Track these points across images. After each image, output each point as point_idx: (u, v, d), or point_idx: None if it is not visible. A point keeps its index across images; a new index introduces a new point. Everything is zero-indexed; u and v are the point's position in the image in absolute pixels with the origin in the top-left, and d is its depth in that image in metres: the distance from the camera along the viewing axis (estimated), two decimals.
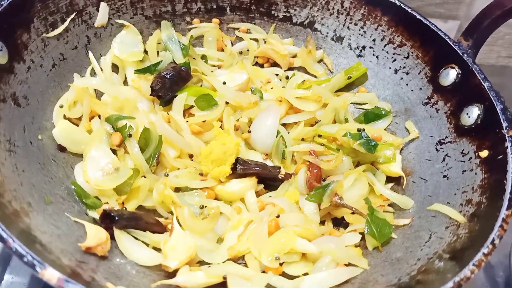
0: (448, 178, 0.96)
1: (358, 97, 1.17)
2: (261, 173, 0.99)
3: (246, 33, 1.26)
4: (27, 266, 0.59)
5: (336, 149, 1.04)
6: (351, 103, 1.16)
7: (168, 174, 0.96)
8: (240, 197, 0.97)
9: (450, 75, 1.05)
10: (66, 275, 0.61)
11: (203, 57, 1.20)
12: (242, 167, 0.97)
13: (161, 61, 1.10)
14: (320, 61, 1.27)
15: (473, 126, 0.97)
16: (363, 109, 1.17)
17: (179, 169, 0.99)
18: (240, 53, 1.25)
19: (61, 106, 0.97)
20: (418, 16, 1.10)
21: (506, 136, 0.89)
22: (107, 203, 0.89)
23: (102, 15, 1.09)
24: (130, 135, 0.95)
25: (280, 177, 1.00)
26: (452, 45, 1.04)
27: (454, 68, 1.04)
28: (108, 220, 0.83)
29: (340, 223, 0.98)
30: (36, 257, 0.60)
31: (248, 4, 1.24)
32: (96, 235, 0.79)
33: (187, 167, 0.99)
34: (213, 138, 1.02)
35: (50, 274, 0.59)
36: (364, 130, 1.01)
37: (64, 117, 0.98)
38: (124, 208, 0.90)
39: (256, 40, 1.26)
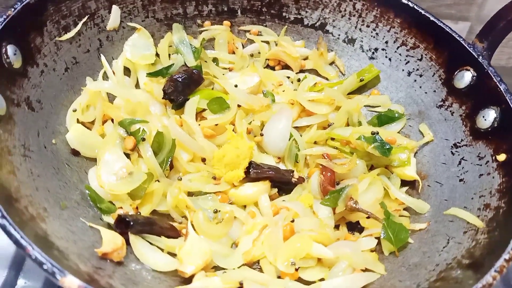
0: (464, 182, 0.95)
1: (371, 100, 1.16)
2: (274, 177, 0.98)
3: (257, 35, 1.25)
4: (46, 273, 0.58)
5: (349, 153, 1.03)
6: (363, 106, 1.15)
7: (181, 178, 0.96)
8: (253, 201, 0.96)
9: (465, 78, 1.04)
10: (84, 281, 0.61)
11: (215, 60, 1.20)
12: (256, 171, 0.97)
13: (173, 64, 1.09)
14: (332, 63, 1.26)
15: (489, 129, 0.96)
16: (376, 112, 1.16)
17: (192, 173, 0.98)
18: (251, 55, 1.24)
19: (75, 110, 0.97)
20: (431, 18, 1.10)
21: None
22: (122, 207, 0.89)
23: (114, 18, 1.09)
24: (143, 139, 0.95)
25: (293, 181, 0.99)
26: (467, 47, 1.03)
27: (469, 70, 1.03)
28: (123, 225, 0.82)
29: (354, 227, 0.97)
30: (56, 265, 0.59)
31: (259, 7, 1.24)
32: (111, 241, 0.78)
33: (200, 171, 0.98)
34: (225, 142, 1.01)
35: (70, 282, 0.58)
36: (378, 133, 1.00)
37: (78, 121, 0.97)
38: (138, 213, 0.89)
39: (267, 42, 1.25)
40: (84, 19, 1.03)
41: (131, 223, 0.82)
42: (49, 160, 0.87)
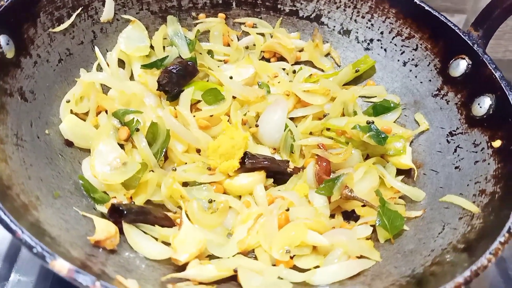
0: (460, 169, 0.94)
1: (367, 90, 1.16)
2: (270, 167, 0.98)
3: (252, 27, 1.25)
4: (36, 257, 0.58)
5: (345, 142, 1.03)
6: (359, 96, 1.15)
7: (176, 169, 0.95)
8: (249, 191, 0.96)
9: (460, 66, 1.03)
10: (76, 266, 0.60)
11: (209, 52, 1.20)
12: (251, 161, 0.96)
13: (168, 56, 1.09)
14: (327, 54, 1.26)
15: (485, 116, 0.95)
16: (371, 102, 1.16)
17: (186, 163, 0.98)
18: (247, 47, 1.24)
19: (68, 101, 0.97)
20: (426, 8, 1.09)
21: None
22: (115, 197, 0.88)
23: (108, 10, 1.08)
24: (137, 130, 0.94)
25: (289, 171, 0.99)
26: (462, 35, 1.03)
27: (464, 58, 1.03)
28: (117, 214, 0.82)
29: (350, 216, 0.97)
30: (46, 248, 0.59)
31: None
32: (104, 229, 0.78)
33: (194, 161, 0.98)
34: (220, 133, 1.01)
35: (60, 265, 0.58)
36: (373, 122, 1.00)
37: (71, 112, 0.97)
38: (132, 203, 0.89)
39: (263, 34, 1.25)
40: (78, 11, 1.03)
41: (125, 212, 0.81)
42: (42, 150, 0.87)
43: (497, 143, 0.90)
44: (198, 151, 1.01)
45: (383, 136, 0.99)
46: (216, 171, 0.97)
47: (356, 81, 1.20)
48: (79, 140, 0.94)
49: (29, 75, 0.92)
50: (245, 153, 0.97)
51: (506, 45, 1.71)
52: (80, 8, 1.04)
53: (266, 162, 0.98)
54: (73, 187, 0.87)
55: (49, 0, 0.97)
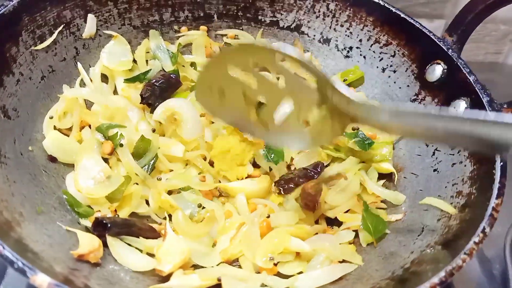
0: (438, 171, 0.96)
1: None
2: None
3: (234, 39, 1.27)
4: (18, 272, 0.59)
5: (333, 149, 1.04)
6: None
7: (161, 178, 0.97)
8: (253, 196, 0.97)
9: (436, 71, 1.06)
10: (59, 282, 0.61)
11: (192, 65, 1.21)
12: (284, 186, 0.95)
13: (150, 69, 1.11)
14: None
15: None
16: None
17: (172, 170, 1.00)
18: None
19: (51, 117, 0.98)
20: (402, 15, 1.12)
21: None
22: (100, 211, 0.89)
23: (90, 26, 1.10)
24: (121, 145, 0.95)
25: None
26: (437, 41, 1.06)
27: (440, 64, 1.05)
28: (101, 228, 0.83)
29: (333, 222, 0.98)
30: (27, 263, 0.60)
31: (235, 11, 1.26)
32: (88, 243, 0.79)
33: (187, 164, 1.00)
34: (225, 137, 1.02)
35: (41, 280, 0.59)
36: (359, 128, 1.02)
37: (54, 128, 0.98)
38: (116, 216, 0.90)
39: None
40: (60, 28, 1.05)
41: (109, 225, 0.82)
42: (25, 167, 0.88)
43: None
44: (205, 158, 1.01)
45: (368, 142, 1.01)
46: (206, 179, 0.98)
47: None
48: (62, 155, 0.95)
49: (12, 93, 0.93)
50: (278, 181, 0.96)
51: (487, 48, 1.74)
52: (62, 26, 1.05)
53: (302, 180, 0.93)
54: (57, 202, 0.88)
55: (31, 19, 0.99)
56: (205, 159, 1.01)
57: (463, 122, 0.62)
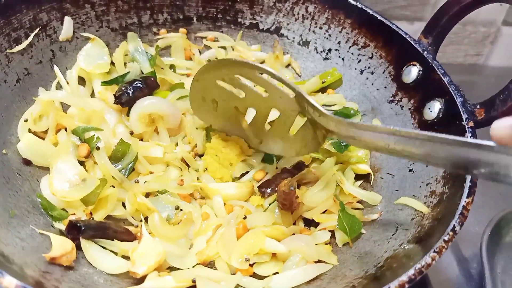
0: (413, 171, 0.97)
1: (327, 98, 1.19)
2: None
3: (213, 41, 1.27)
4: None
5: None
6: (322, 104, 1.18)
7: (138, 181, 0.96)
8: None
9: (412, 73, 1.07)
10: (27, 283, 0.61)
11: (172, 67, 1.21)
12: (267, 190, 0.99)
13: (129, 72, 1.10)
14: (288, 65, 1.29)
15: (435, 120, 0.99)
16: (332, 110, 1.18)
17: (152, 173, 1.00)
18: (209, 61, 1.26)
19: (26, 120, 0.97)
20: (379, 17, 1.13)
21: (466, 127, 0.91)
22: (74, 214, 0.89)
23: (66, 29, 1.09)
24: (98, 148, 0.95)
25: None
26: (413, 43, 1.07)
27: (415, 65, 1.06)
28: (75, 231, 0.83)
29: (311, 223, 0.99)
30: None
31: (215, 13, 1.26)
32: (61, 246, 0.78)
33: (168, 165, 1.01)
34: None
35: (8, 282, 0.58)
36: None
37: (29, 131, 0.97)
38: (91, 218, 0.90)
39: (224, 48, 1.27)
40: (36, 31, 1.04)
41: (83, 228, 0.82)
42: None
43: None
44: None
45: (344, 144, 1.02)
46: (184, 183, 0.98)
47: (318, 91, 1.23)
48: (37, 158, 0.94)
49: None
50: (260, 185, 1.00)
51: (466, 50, 1.76)
52: (38, 28, 1.04)
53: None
54: (31, 206, 0.87)
55: (6, 22, 0.98)
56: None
57: (419, 142, 0.65)
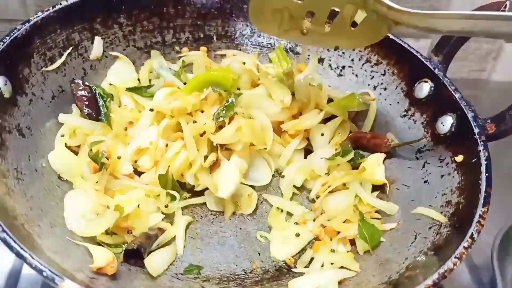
0: (428, 183, 1.03)
1: None
2: None
3: None
4: (46, 280, 0.64)
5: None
6: None
7: None
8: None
9: (424, 89, 1.13)
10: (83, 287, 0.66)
11: None
12: None
13: (153, 84, 1.16)
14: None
15: (448, 134, 1.04)
16: None
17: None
18: None
19: (62, 135, 1.03)
20: (391, 36, 1.19)
21: (478, 141, 0.96)
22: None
23: (96, 48, 1.15)
24: (102, 164, 0.95)
25: None
26: (424, 61, 1.13)
27: (427, 82, 1.12)
28: (136, 256, 0.87)
29: None
30: (54, 271, 0.65)
31: (233, 32, 1.32)
32: (102, 255, 0.82)
33: None
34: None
35: (68, 285, 0.63)
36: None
37: (66, 145, 1.02)
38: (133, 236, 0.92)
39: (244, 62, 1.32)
40: (69, 50, 1.10)
41: (142, 250, 0.87)
42: (40, 182, 0.93)
43: (459, 158, 0.99)
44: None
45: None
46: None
47: None
48: (65, 172, 0.98)
49: (25, 112, 0.98)
50: None
51: (470, 66, 1.81)
52: (71, 48, 1.10)
53: None
54: None
55: (42, 41, 1.04)
56: None
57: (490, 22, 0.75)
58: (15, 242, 0.67)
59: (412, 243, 0.92)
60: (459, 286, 1.18)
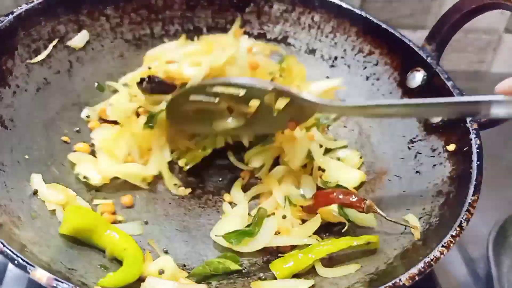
0: (420, 173, 1.01)
1: None
2: None
3: None
4: (18, 268, 0.63)
5: None
6: None
7: None
8: None
9: (416, 78, 1.11)
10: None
11: None
12: None
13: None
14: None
15: (440, 123, 1.02)
16: None
17: None
18: None
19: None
20: (383, 26, 1.17)
21: (470, 129, 0.94)
22: None
23: (79, 38, 1.13)
24: None
25: None
26: (416, 49, 1.11)
27: (419, 71, 1.10)
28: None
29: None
30: (27, 260, 0.63)
31: (224, 24, 1.31)
32: None
33: None
34: None
35: (40, 274, 0.62)
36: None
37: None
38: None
39: None
40: (54, 42, 1.09)
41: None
42: (22, 174, 0.91)
43: (451, 147, 0.97)
44: None
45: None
46: None
47: None
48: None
49: (8, 104, 0.96)
50: None
51: (470, 57, 1.80)
52: (56, 40, 1.09)
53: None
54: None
55: (26, 33, 1.03)
56: None
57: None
58: None
59: (401, 233, 0.90)
60: (454, 279, 1.16)
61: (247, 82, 0.95)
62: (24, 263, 0.63)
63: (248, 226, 0.93)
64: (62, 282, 0.62)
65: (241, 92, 0.95)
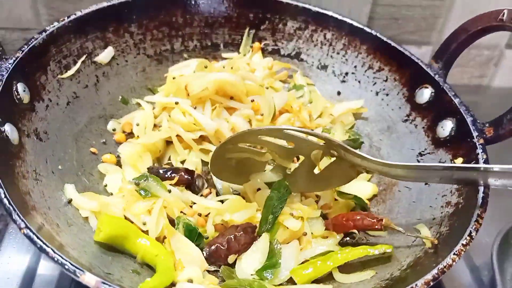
0: (429, 185, 1.06)
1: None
2: None
3: None
4: (68, 272, 0.68)
5: None
6: None
7: None
8: None
9: (424, 94, 1.17)
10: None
11: None
12: None
13: None
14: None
15: (447, 137, 1.08)
16: None
17: None
18: None
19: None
20: (392, 44, 1.24)
21: (477, 144, 1.00)
22: None
23: (105, 54, 1.20)
24: None
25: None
26: (425, 67, 1.17)
27: (427, 87, 1.16)
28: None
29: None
30: (75, 264, 0.69)
31: (240, 40, 1.37)
32: None
33: None
34: None
35: (89, 278, 0.67)
36: None
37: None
38: None
39: None
40: (83, 58, 1.15)
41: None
42: (57, 183, 0.97)
43: (459, 160, 1.02)
44: None
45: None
46: None
47: None
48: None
49: (42, 118, 1.02)
50: None
51: (471, 72, 1.85)
52: (84, 56, 1.15)
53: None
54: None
55: (57, 50, 1.09)
56: None
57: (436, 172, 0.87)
58: (38, 238, 0.71)
59: (413, 242, 0.95)
60: (459, 286, 1.20)
61: (303, 130, 0.93)
62: (74, 268, 0.68)
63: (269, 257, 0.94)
64: (109, 285, 0.67)
65: (289, 145, 0.96)
